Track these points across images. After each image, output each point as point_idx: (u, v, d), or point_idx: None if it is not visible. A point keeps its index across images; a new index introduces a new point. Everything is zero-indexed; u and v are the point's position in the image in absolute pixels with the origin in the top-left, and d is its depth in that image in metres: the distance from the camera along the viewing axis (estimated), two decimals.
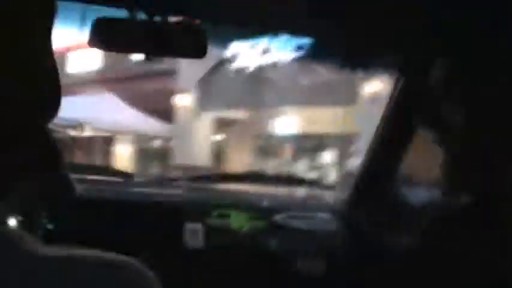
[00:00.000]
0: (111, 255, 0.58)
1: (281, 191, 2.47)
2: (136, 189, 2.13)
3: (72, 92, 14.41)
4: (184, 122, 13.30)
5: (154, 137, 14.44)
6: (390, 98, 2.18)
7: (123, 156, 14.66)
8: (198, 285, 2.06)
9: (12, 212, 1.74)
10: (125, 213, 1.99)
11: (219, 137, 13.88)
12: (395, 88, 2.16)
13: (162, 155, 13.94)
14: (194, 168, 10.25)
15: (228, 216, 2.12)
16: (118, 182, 2.10)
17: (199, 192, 2.29)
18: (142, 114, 13.15)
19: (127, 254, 1.30)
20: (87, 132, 13.39)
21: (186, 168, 9.49)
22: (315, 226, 2.22)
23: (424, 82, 2.09)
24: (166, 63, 11.50)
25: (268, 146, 12.88)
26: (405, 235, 2.22)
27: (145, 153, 14.64)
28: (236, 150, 13.14)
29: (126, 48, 1.78)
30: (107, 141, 14.52)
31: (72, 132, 14.08)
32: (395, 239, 2.22)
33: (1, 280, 0.51)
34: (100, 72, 15.29)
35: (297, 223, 2.21)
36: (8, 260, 0.52)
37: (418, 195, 2.27)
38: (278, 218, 2.18)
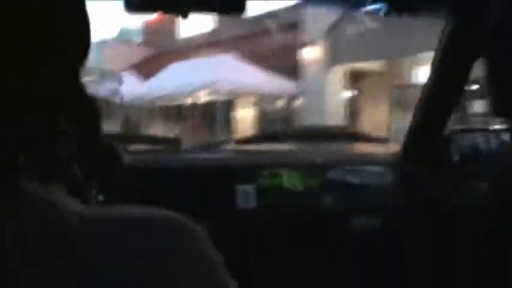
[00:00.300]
0: (157, 211, 0.60)
1: (333, 147, 2.49)
2: (185, 156, 2.24)
3: (187, 56, 14.22)
4: (313, 78, 12.70)
5: (280, 97, 13.83)
6: (439, 44, 2.15)
7: (244, 120, 14.32)
8: (253, 246, 2.14)
9: (62, 185, 1.91)
10: (175, 180, 2.09)
11: (352, 92, 13.26)
12: (444, 33, 2.12)
13: (288, 116, 13.49)
14: (326, 128, 9.62)
15: (280, 175, 2.19)
16: (167, 150, 2.22)
17: (250, 154, 2.37)
18: (266, 72, 12.69)
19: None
20: (206, 97, 13.26)
21: (316, 129, 8.96)
22: (369, 180, 2.24)
23: (475, 25, 2.03)
24: (286, 16, 11.14)
25: (408, 99, 12.17)
26: (462, 187, 2.19)
27: (269, 115, 14.21)
28: (372, 105, 12.69)
29: (162, 9, 1.81)
30: (227, 106, 14.13)
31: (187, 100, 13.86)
32: (453, 192, 2.21)
33: (50, 242, 0.54)
34: (215, 33, 15.13)
35: (351, 178, 2.24)
36: (56, 222, 0.55)
37: (476, 144, 2.22)
38: (331, 174, 2.23)
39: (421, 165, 2.24)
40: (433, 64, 2.18)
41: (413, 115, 2.26)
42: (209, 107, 13.89)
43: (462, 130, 2.26)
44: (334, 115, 11.91)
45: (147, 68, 16.44)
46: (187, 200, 2.09)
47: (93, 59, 20.80)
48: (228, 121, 14.18)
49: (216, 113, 13.61)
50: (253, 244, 2.14)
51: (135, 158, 2.09)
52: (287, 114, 13.63)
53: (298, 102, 13.27)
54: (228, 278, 0.70)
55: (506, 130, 2.16)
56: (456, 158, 2.23)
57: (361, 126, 12.31)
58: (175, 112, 15.98)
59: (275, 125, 13.62)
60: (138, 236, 0.58)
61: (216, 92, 12.40)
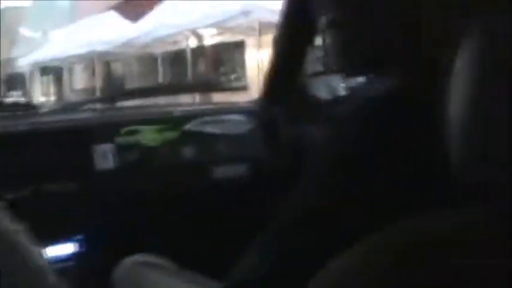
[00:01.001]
0: None
1: (194, 98, 2.50)
2: (42, 119, 2.28)
3: None
4: None
5: None
6: None
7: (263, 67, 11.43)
8: (115, 205, 2.20)
9: None
10: (31, 144, 2.12)
11: None
12: None
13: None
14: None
15: (138, 131, 2.23)
16: (23, 115, 2.27)
17: (108, 112, 2.40)
18: None
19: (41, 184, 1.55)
20: (216, 37, 11.74)
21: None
22: (228, 130, 2.26)
23: None
24: None
25: None
26: (324, 126, 2.18)
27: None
28: None
29: None
30: (238, 46, 12.29)
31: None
32: (313, 132, 2.20)
33: None
34: None
35: (210, 128, 2.26)
36: None
37: (335, 84, 2.20)
38: (190, 125, 2.25)
39: (278, 110, 2.24)
40: (283, 5, 2.16)
41: (269, 59, 2.25)
42: (220, 49, 12.48)
43: (320, 73, 2.24)
44: None
45: (134, 8, 14.90)
46: (45, 163, 2.13)
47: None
48: (242, 67, 12.35)
49: (229, 58, 12.19)
50: (115, 203, 2.20)
51: None
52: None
53: None
54: (30, 242, 0.77)
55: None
56: (315, 101, 2.22)
57: None
58: (174, 59, 13.84)
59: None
60: None
61: (236, 28, 10.84)
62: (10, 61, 18.70)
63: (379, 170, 0.73)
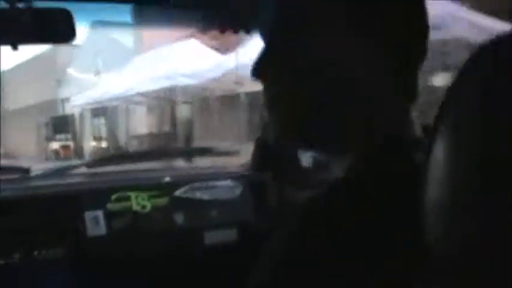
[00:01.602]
0: None
1: (185, 164, 2.55)
2: (33, 184, 2.32)
3: None
4: None
5: None
6: None
7: None
8: (105, 272, 2.22)
9: None
10: (23, 210, 2.17)
11: None
12: None
13: None
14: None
15: (129, 197, 2.27)
16: (14, 179, 2.31)
17: (99, 177, 2.44)
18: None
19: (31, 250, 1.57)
20: None
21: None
22: (218, 195, 2.31)
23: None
24: None
25: None
26: (310, 192, 2.23)
27: None
28: None
29: None
30: None
31: None
32: (302, 198, 2.25)
33: None
34: None
35: (200, 194, 2.31)
36: None
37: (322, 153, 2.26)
38: (180, 192, 2.30)
39: (269, 175, 2.29)
40: None
41: (262, 126, 2.32)
42: None
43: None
44: None
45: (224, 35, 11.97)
46: (36, 230, 2.16)
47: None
48: None
49: None
50: (107, 270, 2.22)
51: None
52: None
53: None
54: None
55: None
56: (304, 166, 2.28)
57: None
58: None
59: None
60: None
61: None
62: (57, 102, 17.94)
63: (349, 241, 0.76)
